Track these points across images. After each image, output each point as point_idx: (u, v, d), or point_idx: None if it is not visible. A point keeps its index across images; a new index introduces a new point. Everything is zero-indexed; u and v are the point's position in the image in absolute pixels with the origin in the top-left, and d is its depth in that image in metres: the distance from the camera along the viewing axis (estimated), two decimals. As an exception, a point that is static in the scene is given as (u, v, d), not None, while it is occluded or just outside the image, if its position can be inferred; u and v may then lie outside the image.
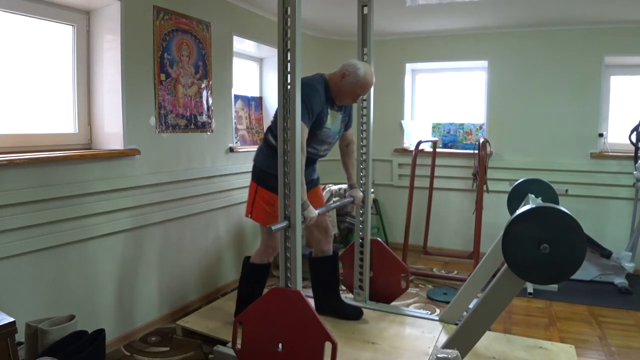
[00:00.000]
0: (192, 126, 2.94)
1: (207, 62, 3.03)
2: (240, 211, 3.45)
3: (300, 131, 1.89)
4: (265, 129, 3.97)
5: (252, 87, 3.93)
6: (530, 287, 3.27)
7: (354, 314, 2.65)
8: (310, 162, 2.43)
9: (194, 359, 2.37)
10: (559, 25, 3.78)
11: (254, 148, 3.57)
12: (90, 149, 2.51)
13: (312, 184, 2.50)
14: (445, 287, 3.43)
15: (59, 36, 2.38)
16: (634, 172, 3.40)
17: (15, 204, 1.96)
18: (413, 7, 3.33)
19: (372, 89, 2.72)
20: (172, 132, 2.78)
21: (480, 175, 3.53)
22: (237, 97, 3.63)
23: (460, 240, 4.29)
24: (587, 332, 2.69)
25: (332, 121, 2.36)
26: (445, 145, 4.33)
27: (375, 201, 4.45)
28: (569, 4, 3.21)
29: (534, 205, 1.76)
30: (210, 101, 3.08)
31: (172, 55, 2.74)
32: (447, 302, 2.86)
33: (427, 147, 4.18)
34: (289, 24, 1.81)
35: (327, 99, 2.30)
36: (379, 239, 2.86)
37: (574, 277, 1.75)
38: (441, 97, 4.52)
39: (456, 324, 2.48)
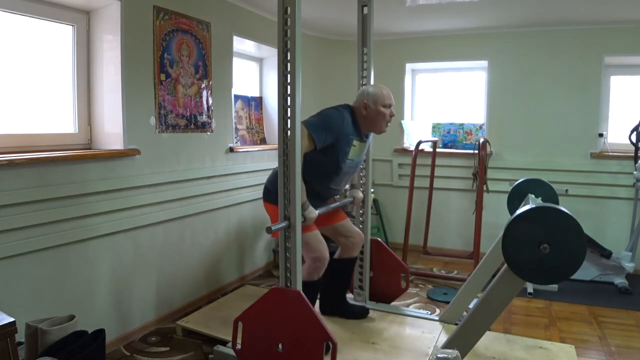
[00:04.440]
0: (192, 126, 2.94)
1: (207, 62, 3.03)
2: (241, 211, 3.45)
3: (300, 134, 1.88)
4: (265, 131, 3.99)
5: (252, 87, 3.93)
6: (530, 287, 3.27)
7: (360, 312, 2.66)
8: (326, 199, 2.43)
9: (194, 359, 2.37)
10: (559, 25, 3.78)
11: (254, 148, 3.59)
12: (90, 149, 2.51)
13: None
14: (445, 287, 3.43)
15: (59, 36, 2.38)
16: (634, 172, 3.40)
17: (15, 204, 1.96)
18: (413, 7, 3.33)
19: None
20: (172, 132, 2.78)
21: (480, 175, 3.53)
22: (237, 97, 3.63)
23: (460, 240, 4.29)
24: (587, 332, 2.69)
25: (357, 152, 2.34)
26: (445, 145, 4.33)
27: (375, 201, 4.45)
28: (569, 4, 3.21)
29: (534, 205, 1.76)
30: (210, 101, 3.08)
31: (172, 55, 2.74)
32: (447, 302, 2.87)
33: (427, 147, 4.18)
34: (289, 24, 1.81)
35: (355, 130, 2.30)
36: (379, 239, 2.86)
37: (574, 277, 1.75)
38: (441, 97, 4.52)
39: (456, 324, 2.48)
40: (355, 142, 2.30)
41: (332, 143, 2.20)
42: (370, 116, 2.31)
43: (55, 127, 2.39)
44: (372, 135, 2.55)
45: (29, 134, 2.24)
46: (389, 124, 2.37)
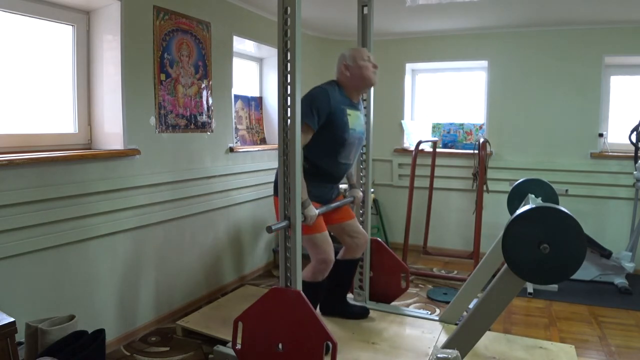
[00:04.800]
0: (192, 126, 2.94)
1: (207, 62, 3.03)
2: (241, 211, 3.45)
3: (300, 131, 1.89)
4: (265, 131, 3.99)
5: (252, 87, 3.93)
6: (530, 287, 3.27)
7: (361, 312, 2.67)
8: (338, 179, 2.41)
9: (194, 359, 2.37)
10: (559, 25, 3.78)
11: (254, 148, 3.59)
12: (90, 149, 2.51)
13: (336, 193, 2.49)
14: (445, 287, 3.43)
15: (59, 36, 2.38)
16: (634, 172, 3.40)
17: (15, 204, 1.96)
18: (413, 7, 3.34)
19: (372, 89, 2.73)
20: (172, 132, 2.77)
21: (480, 175, 3.53)
22: (237, 97, 3.63)
23: (460, 240, 4.29)
24: (587, 332, 2.69)
25: (355, 121, 2.33)
26: (445, 145, 4.33)
27: (375, 201, 4.45)
28: (569, 4, 3.21)
29: (534, 205, 1.76)
30: (210, 101, 3.08)
31: (172, 55, 2.74)
32: (447, 302, 2.87)
33: (427, 147, 4.18)
34: (289, 24, 1.81)
35: (344, 100, 2.30)
36: (379, 239, 2.86)
37: (574, 277, 1.75)
38: (441, 97, 4.52)
39: (456, 324, 2.48)
40: (349, 111, 2.30)
41: (327, 120, 2.19)
42: (354, 74, 2.30)
43: (55, 127, 2.39)
44: (368, 109, 2.53)
45: (29, 134, 2.24)
46: (376, 74, 2.35)
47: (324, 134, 2.19)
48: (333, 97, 2.22)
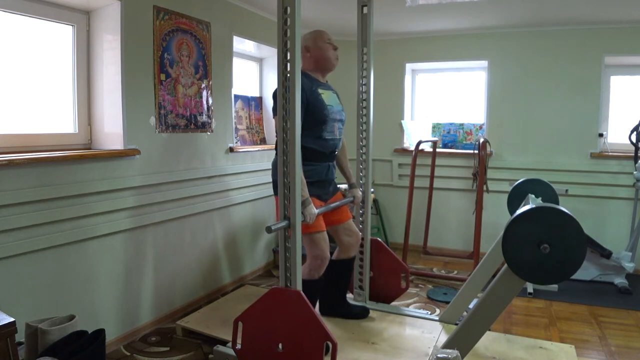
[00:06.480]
0: (192, 126, 2.94)
1: (207, 62, 3.03)
2: (241, 211, 3.45)
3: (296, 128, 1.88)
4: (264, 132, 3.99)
5: (252, 87, 3.93)
6: (530, 287, 3.27)
7: (361, 313, 2.67)
8: (329, 155, 2.40)
9: (194, 359, 2.37)
10: (559, 25, 3.78)
11: (254, 148, 3.59)
12: (90, 149, 2.51)
13: (333, 189, 2.48)
14: (445, 287, 3.43)
15: (59, 36, 2.38)
16: (634, 172, 3.40)
17: (15, 204, 1.96)
18: (413, 7, 3.33)
19: (372, 89, 2.73)
20: (172, 132, 2.77)
21: (480, 175, 3.53)
22: (237, 97, 3.63)
23: (460, 240, 4.29)
24: (587, 332, 2.69)
25: (330, 98, 2.37)
26: (445, 145, 4.33)
27: (375, 201, 4.45)
28: (569, 4, 3.21)
29: (534, 205, 1.76)
30: (210, 101, 3.08)
31: (172, 55, 2.74)
32: (447, 302, 2.87)
33: (427, 147, 4.18)
34: (288, 24, 1.81)
35: (313, 83, 2.32)
36: (379, 239, 2.86)
37: (574, 277, 1.76)
38: (441, 97, 4.52)
39: (456, 324, 2.48)
40: (321, 91, 2.33)
41: (306, 104, 2.22)
42: (314, 56, 2.34)
43: (55, 127, 2.39)
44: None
45: (29, 134, 2.24)
46: (337, 57, 2.39)
47: (306, 117, 2.22)
48: (304, 83, 2.22)
